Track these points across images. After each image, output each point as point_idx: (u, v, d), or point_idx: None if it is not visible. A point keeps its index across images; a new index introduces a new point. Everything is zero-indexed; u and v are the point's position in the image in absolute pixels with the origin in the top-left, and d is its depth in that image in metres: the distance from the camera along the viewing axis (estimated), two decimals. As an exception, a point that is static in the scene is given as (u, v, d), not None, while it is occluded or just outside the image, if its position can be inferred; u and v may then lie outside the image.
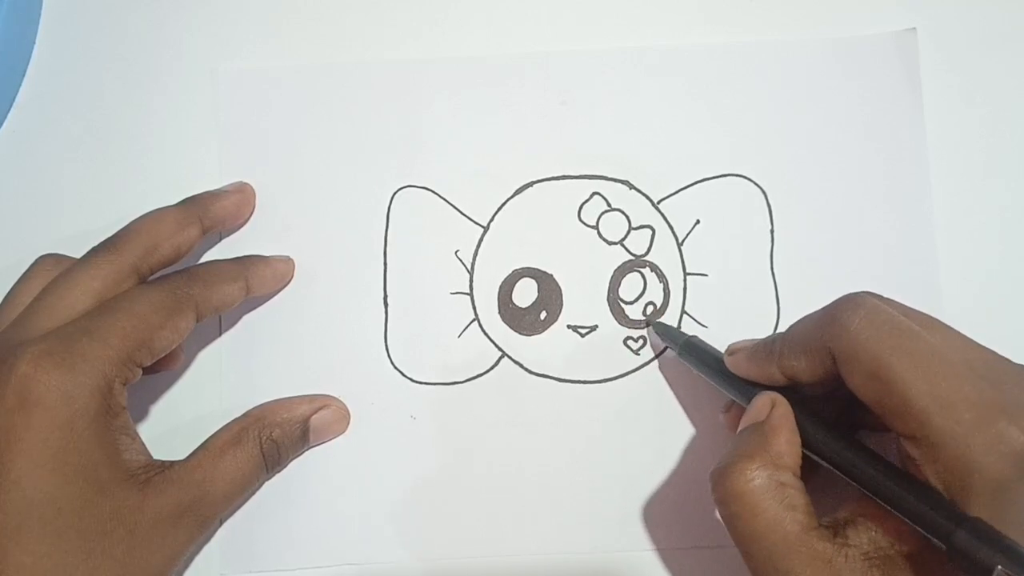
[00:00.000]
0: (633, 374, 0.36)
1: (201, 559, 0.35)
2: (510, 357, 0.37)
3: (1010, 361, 0.28)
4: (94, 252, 0.33)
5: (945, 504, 0.26)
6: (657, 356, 0.36)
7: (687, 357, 0.35)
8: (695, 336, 0.35)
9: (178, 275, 0.33)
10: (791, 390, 0.31)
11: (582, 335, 0.37)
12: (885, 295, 0.30)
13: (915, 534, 0.27)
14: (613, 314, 0.37)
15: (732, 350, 0.33)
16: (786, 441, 0.29)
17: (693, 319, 0.37)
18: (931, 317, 0.29)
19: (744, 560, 0.28)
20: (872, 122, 0.37)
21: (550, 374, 0.37)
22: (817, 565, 0.27)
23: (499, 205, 0.38)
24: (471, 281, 0.37)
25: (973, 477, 0.25)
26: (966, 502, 0.25)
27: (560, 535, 0.35)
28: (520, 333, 0.37)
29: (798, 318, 0.31)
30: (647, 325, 0.37)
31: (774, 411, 0.30)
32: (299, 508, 0.36)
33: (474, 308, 0.37)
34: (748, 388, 0.32)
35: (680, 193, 0.38)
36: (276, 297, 0.37)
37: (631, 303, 0.37)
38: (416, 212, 0.38)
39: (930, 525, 0.26)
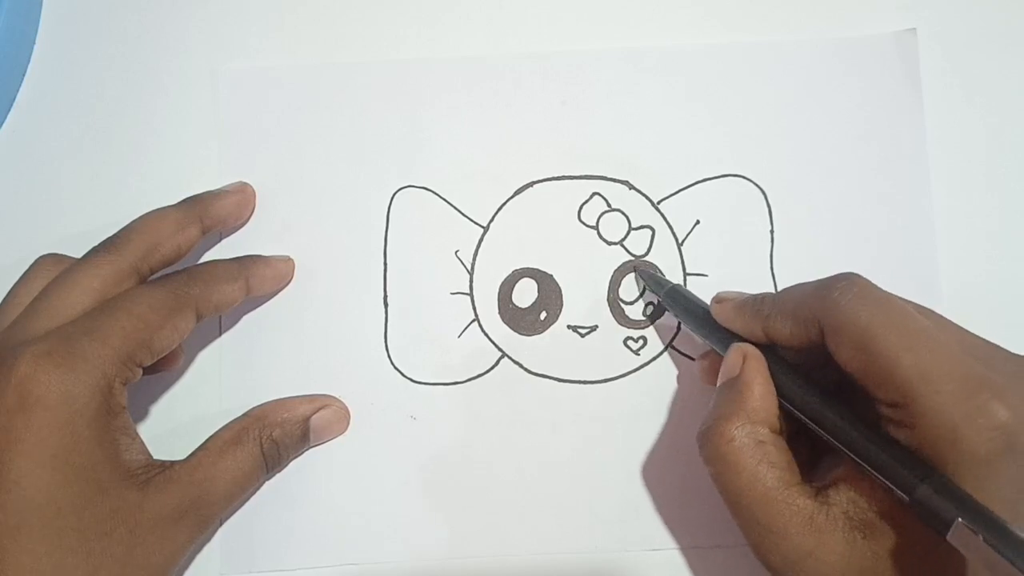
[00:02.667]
0: (633, 374, 0.36)
1: (201, 559, 0.35)
2: (510, 357, 0.37)
3: (1005, 349, 0.28)
4: (94, 252, 0.33)
5: (913, 459, 0.26)
6: (657, 356, 0.36)
7: (671, 304, 0.35)
8: (680, 284, 0.35)
9: (178, 275, 0.33)
10: (768, 346, 0.31)
11: (582, 335, 0.37)
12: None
13: (894, 496, 0.27)
14: (613, 314, 0.37)
15: (720, 299, 0.33)
16: (759, 395, 0.30)
17: (693, 319, 0.37)
18: (927, 308, 0.30)
19: (732, 516, 0.29)
20: (872, 122, 0.37)
21: (550, 374, 0.37)
22: (798, 520, 0.27)
23: (499, 205, 0.38)
24: (471, 281, 0.37)
25: (952, 448, 0.25)
26: (946, 474, 0.25)
27: (560, 535, 0.35)
28: (520, 333, 0.37)
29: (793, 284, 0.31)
30: (635, 276, 0.37)
31: (746, 365, 0.30)
32: (299, 508, 0.36)
33: (474, 308, 0.37)
34: (729, 339, 0.32)
35: (680, 193, 0.38)
36: (276, 297, 0.37)
37: (631, 303, 0.37)
38: (416, 212, 0.38)
39: (895, 478, 0.26)
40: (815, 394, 0.29)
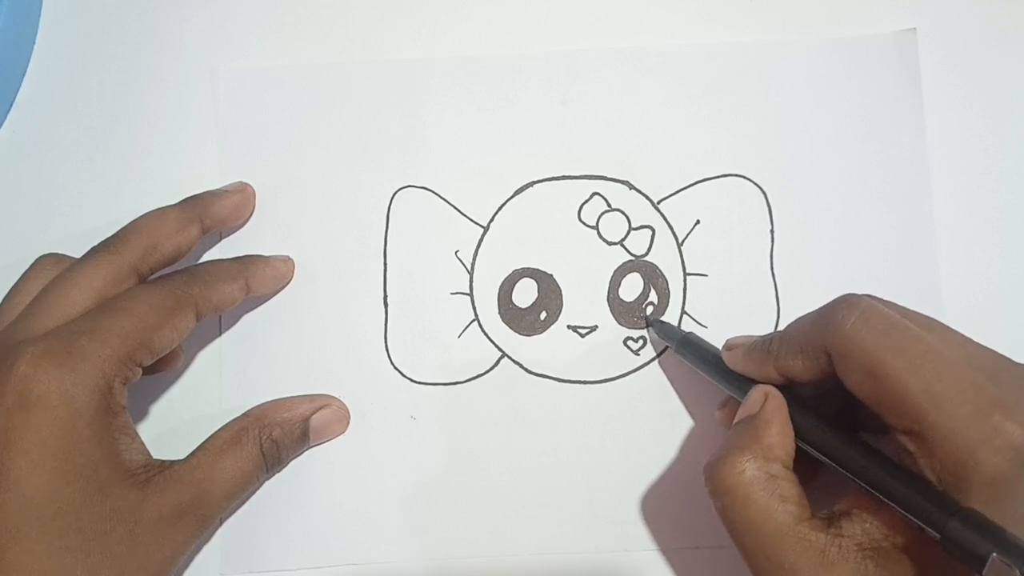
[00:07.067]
0: (633, 374, 0.36)
1: (201, 559, 0.35)
2: (510, 357, 0.37)
3: (1011, 360, 0.28)
4: (94, 252, 0.33)
5: (939, 494, 0.26)
6: (657, 356, 0.36)
7: (684, 353, 0.35)
8: (692, 332, 0.35)
9: (178, 275, 0.33)
10: (787, 387, 0.31)
11: (582, 335, 0.37)
12: (885, 295, 0.30)
13: (909, 525, 0.27)
14: (613, 314, 0.37)
15: (730, 345, 0.33)
16: (777, 433, 0.29)
17: (693, 319, 0.37)
18: (930, 318, 0.29)
19: (739, 552, 0.28)
20: (872, 122, 0.37)
21: (550, 374, 0.37)
22: (809, 555, 0.27)
23: (499, 205, 0.38)
24: (471, 281, 0.37)
25: (969, 471, 0.25)
26: (963, 496, 0.25)
27: (560, 535, 0.35)
28: (520, 333, 0.37)
29: (797, 318, 0.31)
30: (646, 325, 0.37)
31: (767, 404, 0.30)
32: (299, 508, 0.35)
33: (474, 308, 0.37)
34: (745, 384, 0.32)
35: (680, 193, 0.38)
36: (276, 297, 0.37)
37: (631, 303, 0.37)
38: (416, 212, 0.38)
39: (924, 515, 0.26)
40: (836, 435, 0.29)
